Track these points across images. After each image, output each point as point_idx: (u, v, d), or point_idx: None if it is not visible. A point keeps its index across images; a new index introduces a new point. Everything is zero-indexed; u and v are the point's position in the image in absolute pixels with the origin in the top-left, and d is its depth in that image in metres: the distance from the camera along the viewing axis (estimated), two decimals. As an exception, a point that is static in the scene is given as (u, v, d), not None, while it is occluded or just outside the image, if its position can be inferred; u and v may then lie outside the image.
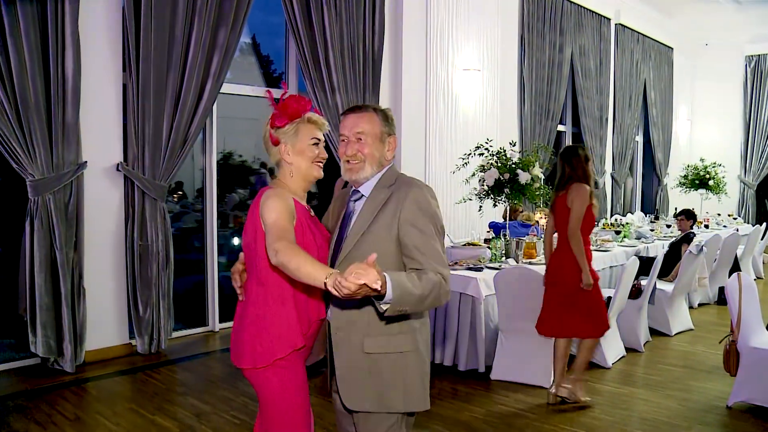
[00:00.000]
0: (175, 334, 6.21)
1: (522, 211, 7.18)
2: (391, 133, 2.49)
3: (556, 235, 4.79)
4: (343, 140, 2.46)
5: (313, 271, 2.06)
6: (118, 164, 5.58)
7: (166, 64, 5.62)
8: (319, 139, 2.57)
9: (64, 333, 5.23)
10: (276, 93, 2.63)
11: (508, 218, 6.47)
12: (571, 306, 4.59)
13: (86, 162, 5.34)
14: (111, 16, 5.52)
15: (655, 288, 6.26)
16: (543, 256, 5.14)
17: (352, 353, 2.39)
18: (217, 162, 6.64)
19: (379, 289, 1.98)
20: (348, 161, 2.45)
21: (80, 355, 5.39)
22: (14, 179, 5.17)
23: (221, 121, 6.64)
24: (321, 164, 2.59)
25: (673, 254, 6.92)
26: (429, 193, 2.40)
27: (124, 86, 5.60)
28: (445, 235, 2.55)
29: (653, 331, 6.48)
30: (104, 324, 5.65)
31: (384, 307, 2.09)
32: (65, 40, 5.08)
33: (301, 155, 2.54)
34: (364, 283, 1.92)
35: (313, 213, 2.64)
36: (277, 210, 2.38)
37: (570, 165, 4.68)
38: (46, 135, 5.06)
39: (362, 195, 2.46)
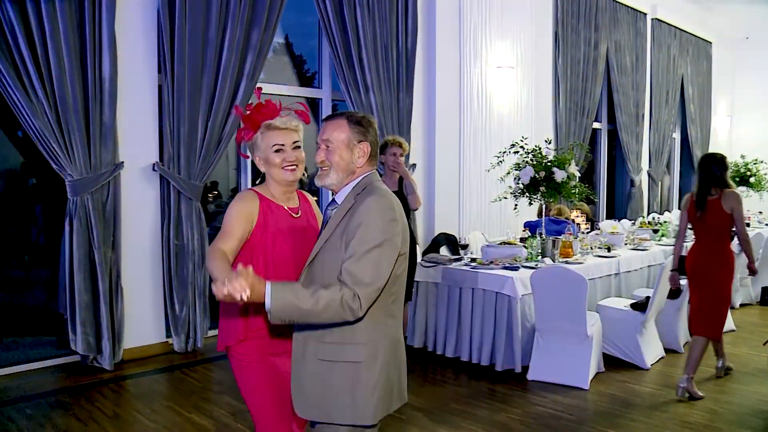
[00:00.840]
0: (211, 333, 6.25)
1: (554, 207, 7.02)
2: (362, 139, 2.36)
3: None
4: (317, 147, 2.46)
5: (214, 275, 2.25)
6: (154, 164, 5.64)
7: (200, 65, 5.66)
8: (282, 144, 2.61)
9: (102, 331, 5.30)
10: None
11: (543, 215, 6.38)
12: (713, 304, 4.80)
13: (123, 162, 5.40)
14: (146, 18, 5.59)
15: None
16: (672, 258, 5.25)
17: (307, 359, 2.34)
18: (252, 161, 6.66)
19: (246, 299, 2.05)
20: (318, 168, 2.45)
21: (118, 353, 5.46)
22: (54, 180, 5.26)
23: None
24: (292, 167, 2.64)
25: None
26: (388, 203, 2.27)
27: (160, 87, 5.67)
28: (407, 255, 2.37)
29: (693, 332, 6.34)
30: (141, 322, 5.72)
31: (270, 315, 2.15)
32: (102, 42, 5.15)
33: (267, 163, 2.64)
34: (232, 294, 2.03)
35: (298, 214, 2.71)
36: (229, 214, 2.56)
37: (720, 170, 4.79)
38: (84, 136, 5.13)
39: (336, 203, 2.43)
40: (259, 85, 6.14)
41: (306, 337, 2.34)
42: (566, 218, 6.82)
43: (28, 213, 6.17)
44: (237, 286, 2.02)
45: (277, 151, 2.61)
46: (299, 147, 2.66)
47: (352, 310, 2.15)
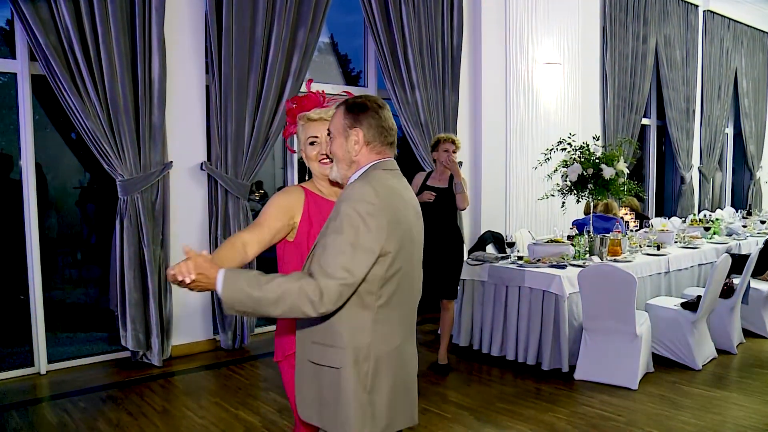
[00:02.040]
0: (258, 330, 6.34)
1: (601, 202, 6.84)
2: (354, 125, 2.14)
3: None
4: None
5: None
6: (201, 163, 5.72)
7: (247, 65, 5.73)
8: (316, 136, 2.48)
9: (151, 328, 5.41)
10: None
11: (591, 212, 6.29)
12: None
13: (172, 162, 5.49)
14: (194, 20, 5.67)
15: (749, 287, 5.96)
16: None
17: (302, 359, 2.21)
18: (298, 160, 6.73)
19: (191, 283, 2.00)
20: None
21: (167, 350, 5.56)
22: (105, 180, 5.38)
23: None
24: (327, 160, 2.43)
25: (769, 252, 6.59)
26: (369, 194, 2.01)
27: (207, 87, 5.75)
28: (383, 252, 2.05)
29: (747, 333, 6.17)
30: (189, 320, 5.82)
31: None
32: (152, 45, 5.25)
33: (305, 157, 2.53)
34: (176, 275, 1.99)
35: None
36: (267, 205, 2.43)
37: None
38: (134, 136, 5.24)
39: None
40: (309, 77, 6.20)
41: (301, 336, 2.20)
42: (614, 214, 6.69)
43: (81, 212, 6.32)
44: (183, 269, 1.96)
45: (312, 143, 2.49)
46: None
47: (313, 302, 1.93)
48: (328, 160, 2.41)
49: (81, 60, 4.91)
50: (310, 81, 2.75)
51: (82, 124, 4.99)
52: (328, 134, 2.23)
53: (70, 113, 4.97)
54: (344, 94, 2.39)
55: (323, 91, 2.60)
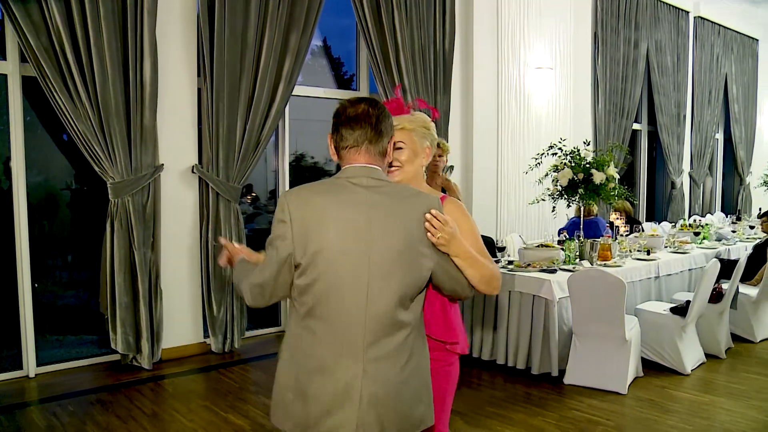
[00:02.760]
0: (248, 334, 6.32)
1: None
2: (330, 132, 2.19)
3: None
4: None
5: None
6: (193, 167, 5.72)
7: (239, 68, 5.73)
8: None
9: (141, 331, 5.39)
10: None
11: (581, 216, 6.31)
12: None
13: (163, 165, 5.49)
14: (186, 23, 5.67)
15: (737, 292, 6.00)
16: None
17: None
18: (290, 163, 6.73)
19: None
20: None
21: (157, 353, 5.55)
22: (95, 182, 5.36)
23: (293, 123, 6.72)
24: (390, 168, 2.40)
25: (758, 257, 6.62)
26: (282, 201, 2.03)
27: (199, 90, 5.75)
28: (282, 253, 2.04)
29: (735, 338, 6.21)
30: (180, 323, 5.80)
31: None
32: (144, 47, 5.24)
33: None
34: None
35: None
36: None
37: None
38: (125, 139, 5.23)
39: None
40: (297, 86, 6.21)
41: None
42: (594, 214, 6.70)
43: (71, 215, 6.30)
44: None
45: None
46: (400, 148, 2.39)
47: (240, 289, 2.18)
48: (394, 168, 2.40)
49: (72, 62, 4.90)
50: (398, 86, 2.77)
51: (72, 126, 4.98)
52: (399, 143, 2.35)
53: (61, 115, 4.96)
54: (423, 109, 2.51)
55: (408, 101, 2.58)
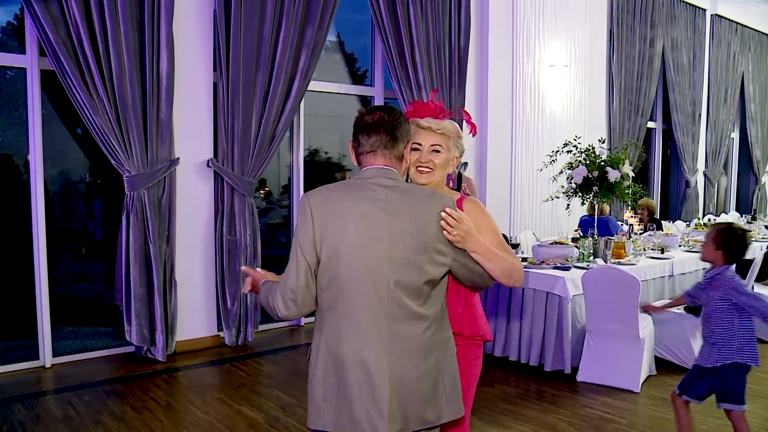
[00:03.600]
0: (262, 327, 6.35)
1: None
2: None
3: None
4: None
5: None
6: (208, 160, 5.75)
7: (254, 63, 5.75)
8: (419, 144, 2.50)
9: (156, 323, 5.43)
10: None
11: (595, 214, 6.30)
12: None
13: (178, 158, 5.52)
14: (203, 17, 5.70)
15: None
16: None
17: None
18: (304, 159, 6.75)
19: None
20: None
21: (171, 345, 5.59)
22: (112, 175, 5.41)
23: (307, 118, 6.74)
24: (423, 169, 2.50)
25: (773, 256, 6.59)
26: (303, 202, 2.14)
27: (215, 85, 5.77)
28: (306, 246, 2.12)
29: (750, 337, 6.17)
30: (194, 315, 5.84)
31: None
32: (160, 42, 5.27)
33: (407, 161, 2.41)
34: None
35: None
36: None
37: None
38: (141, 133, 5.27)
39: None
40: (312, 81, 6.21)
41: None
42: (602, 213, 6.67)
43: (86, 207, 6.35)
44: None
45: (414, 149, 2.48)
46: (438, 151, 2.48)
47: (270, 303, 2.16)
48: (426, 170, 2.49)
49: (90, 56, 4.94)
50: (435, 91, 2.82)
51: (90, 119, 5.02)
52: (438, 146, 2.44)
53: (79, 108, 5.00)
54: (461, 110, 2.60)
55: (442, 105, 2.61)
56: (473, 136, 2.75)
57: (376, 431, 2.07)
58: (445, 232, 2.11)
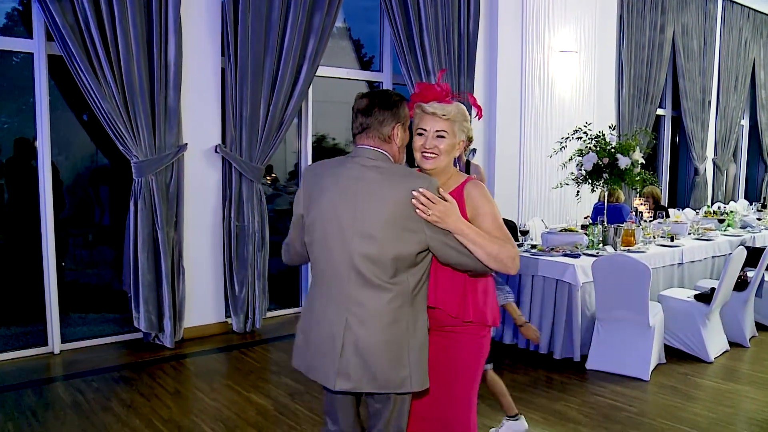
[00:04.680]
0: (270, 314, 6.35)
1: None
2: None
3: None
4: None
5: None
6: (216, 146, 5.72)
7: (263, 48, 5.71)
8: (425, 129, 2.50)
9: (164, 310, 5.43)
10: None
11: (605, 201, 6.25)
12: None
13: (186, 144, 5.50)
14: (211, 3, 5.65)
15: (763, 280, 5.93)
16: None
17: None
18: (312, 145, 6.72)
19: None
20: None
21: (179, 332, 5.59)
22: (120, 161, 5.39)
23: (315, 104, 6.70)
24: (428, 155, 2.50)
25: (784, 245, 6.54)
26: (305, 169, 2.66)
27: (223, 71, 5.73)
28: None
29: (760, 326, 6.14)
30: (202, 302, 5.84)
31: None
32: (168, 27, 5.23)
33: (412, 146, 2.56)
34: None
35: None
36: None
37: None
38: (149, 118, 5.24)
39: None
40: (320, 67, 6.17)
41: None
42: (616, 200, 6.62)
43: (94, 194, 6.34)
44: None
45: (419, 134, 2.50)
46: (443, 137, 2.48)
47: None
48: (431, 156, 2.50)
49: (97, 40, 4.91)
50: (443, 71, 2.82)
51: (97, 104, 4.99)
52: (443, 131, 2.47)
53: (86, 94, 4.97)
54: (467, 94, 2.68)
55: (449, 87, 2.57)
56: (479, 118, 2.71)
57: (329, 383, 2.32)
58: (418, 211, 2.22)
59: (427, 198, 2.21)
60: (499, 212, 2.45)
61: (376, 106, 2.32)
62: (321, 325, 2.34)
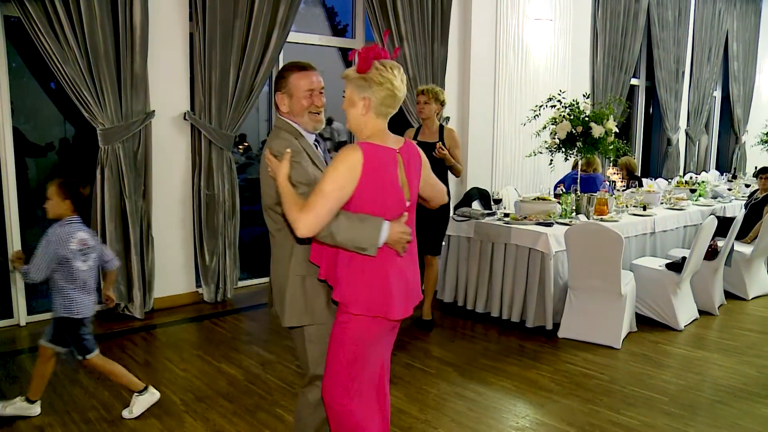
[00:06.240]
0: (241, 284, 6.29)
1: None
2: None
3: None
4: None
5: None
6: (185, 113, 5.59)
7: (232, 13, 5.56)
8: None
9: (133, 280, 5.34)
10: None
11: (578, 169, 6.24)
12: None
13: (154, 111, 5.37)
14: (178, -37, 5.48)
15: (732, 249, 5.98)
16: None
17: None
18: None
19: None
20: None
21: (149, 302, 5.51)
22: (86, 129, 5.24)
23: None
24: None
25: (753, 215, 6.60)
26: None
27: (191, 35, 5.58)
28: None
29: (728, 295, 6.21)
30: (172, 272, 5.75)
31: None
32: (133, -12, 5.07)
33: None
34: None
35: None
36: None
37: None
38: (115, 84, 5.10)
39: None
40: (292, 33, 6.03)
41: None
42: (594, 170, 6.61)
43: (60, 162, 6.19)
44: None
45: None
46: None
47: None
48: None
49: (59, 3, 4.73)
50: (387, 32, 2.96)
51: (60, 70, 4.84)
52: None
53: (48, 58, 4.81)
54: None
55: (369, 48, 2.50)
56: (361, 73, 2.51)
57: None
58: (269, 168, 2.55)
59: (268, 158, 2.52)
60: (338, 176, 2.33)
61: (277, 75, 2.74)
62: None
